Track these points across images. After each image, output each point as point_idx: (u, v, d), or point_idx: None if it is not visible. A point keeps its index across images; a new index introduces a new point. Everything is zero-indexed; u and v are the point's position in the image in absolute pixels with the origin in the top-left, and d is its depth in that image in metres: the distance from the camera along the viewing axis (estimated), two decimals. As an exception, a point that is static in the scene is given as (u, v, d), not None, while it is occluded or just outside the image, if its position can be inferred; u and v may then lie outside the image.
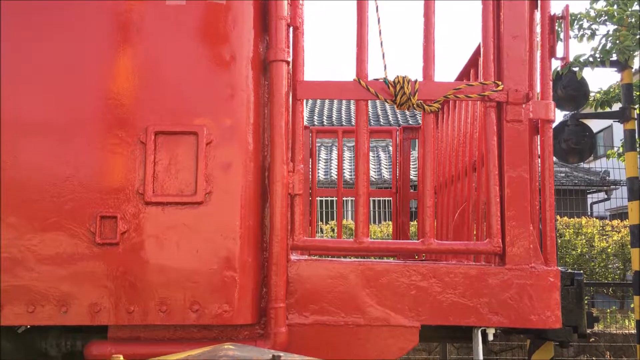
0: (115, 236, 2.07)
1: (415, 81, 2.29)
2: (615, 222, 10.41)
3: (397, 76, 2.30)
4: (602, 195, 16.17)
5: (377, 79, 2.32)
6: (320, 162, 15.55)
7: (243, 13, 2.21)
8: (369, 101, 2.36)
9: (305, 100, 2.39)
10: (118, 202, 2.09)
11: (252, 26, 2.22)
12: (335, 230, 8.50)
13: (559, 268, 2.34)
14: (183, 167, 2.11)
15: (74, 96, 2.14)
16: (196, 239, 2.08)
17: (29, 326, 2.23)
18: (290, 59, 2.26)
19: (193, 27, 2.19)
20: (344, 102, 20.07)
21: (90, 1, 2.18)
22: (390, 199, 4.88)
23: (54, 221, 2.08)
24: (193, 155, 2.11)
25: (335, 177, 12.97)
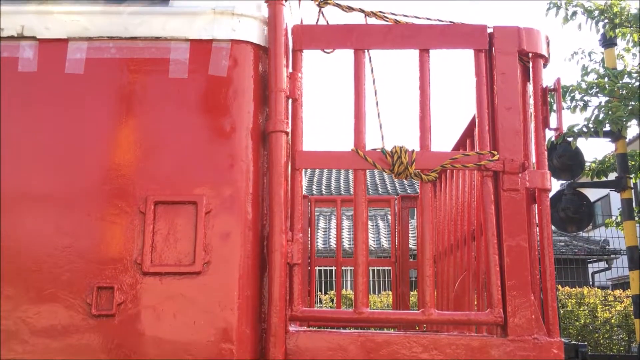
0: (111, 307, 2.04)
1: (413, 151, 2.33)
2: (617, 292, 10.29)
3: (395, 146, 2.33)
4: (602, 264, 16.05)
5: (374, 149, 2.36)
6: (319, 231, 15.53)
7: (243, 86, 2.27)
8: (367, 170, 2.39)
9: (304, 170, 2.42)
10: (116, 272, 2.08)
11: (252, 98, 2.27)
12: (335, 301, 8.38)
13: (563, 339, 2.30)
14: (182, 237, 2.11)
15: (75, 166, 2.17)
16: (194, 309, 2.05)
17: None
18: (289, 130, 2.30)
19: (194, 99, 2.24)
20: (342, 171, 20.24)
21: (93, 74, 2.24)
22: (390, 268, 4.84)
23: (50, 292, 2.06)
24: (192, 225, 2.12)
25: (334, 246, 12.90)
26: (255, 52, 2.31)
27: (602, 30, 6.74)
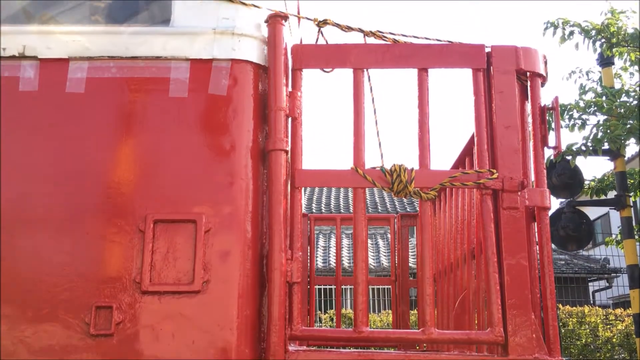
0: (110, 327, 2.03)
1: (412, 169, 2.33)
2: (618, 311, 10.24)
3: (394, 164, 2.34)
4: (603, 283, 15.98)
5: (374, 168, 2.36)
6: (318, 249, 15.49)
7: (243, 105, 2.29)
8: (367, 189, 2.39)
9: (303, 188, 2.42)
10: (114, 291, 2.07)
11: (251, 117, 2.28)
12: (334, 320, 8.33)
13: (564, 359, 2.28)
14: (181, 255, 2.10)
15: (74, 185, 2.17)
16: (192, 329, 2.04)
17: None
18: (288, 148, 2.31)
19: (194, 117, 2.25)
20: (342, 189, 20.25)
21: (94, 93, 2.25)
22: (390, 287, 4.82)
23: (48, 312, 2.05)
24: (191, 243, 2.11)
25: (334, 264, 12.86)
26: (255, 71, 2.32)
27: (599, 50, 6.79)
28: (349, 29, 2.59)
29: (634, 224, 6.33)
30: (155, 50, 2.29)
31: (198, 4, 2.35)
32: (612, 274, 15.35)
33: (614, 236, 7.83)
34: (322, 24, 2.59)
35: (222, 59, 2.28)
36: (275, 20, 2.36)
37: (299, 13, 3.75)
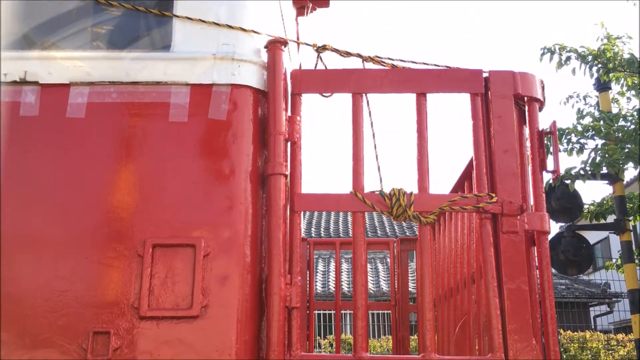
0: (107, 353, 2.01)
1: (411, 193, 2.34)
2: (620, 336, 10.16)
3: (393, 188, 2.34)
4: (604, 307, 15.88)
5: (373, 192, 2.37)
6: (317, 274, 15.41)
7: (242, 129, 2.29)
8: (366, 213, 2.39)
9: (303, 212, 2.42)
10: (112, 316, 2.05)
11: (251, 141, 2.29)
12: (334, 345, 8.25)
13: (566, 384, 2.26)
14: (180, 280, 2.09)
15: (74, 210, 2.17)
16: (191, 354, 2.02)
17: None
18: (288, 172, 2.32)
19: (194, 142, 2.26)
20: (341, 213, 20.22)
21: (94, 118, 2.26)
22: (389, 312, 4.79)
23: (45, 337, 2.03)
24: (190, 268, 2.10)
25: (334, 289, 12.78)
26: (255, 96, 2.34)
27: (596, 75, 6.85)
28: (347, 54, 2.61)
29: (634, 248, 6.31)
30: (155, 75, 2.31)
31: (198, 30, 2.37)
32: (613, 299, 15.26)
33: (614, 260, 7.80)
34: (321, 49, 2.61)
35: (222, 84, 2.30)
36: (275, 46, 2.38)
37: (298, 39, 3.79)
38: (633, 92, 7.00)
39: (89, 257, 2.11)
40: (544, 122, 2.60)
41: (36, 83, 2.29)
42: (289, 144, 2.37)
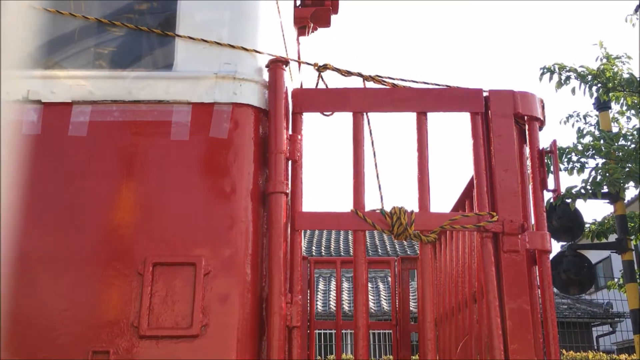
0: (106, 372, 1.99)
1: (412, 212, 2.33)
2: (623, 357, 10.07)
3: (394, 207, 2.34)
4: (607, 327, 15.76)
5: (374, 210, 2.37)
6: (318, 293, 15.33)
7: (244, 148, 2.30)
8: (367, 231, 2.38)
9: (303, 230, 2.42)
10: (112, 335, 2.04)
11: (252, 160, 2.30)
12: (334, 366, 8.18)
13: (569, 405, 2.23)
14: (180, 299, 2.08)
15: (74, 228, 2.16)
16: (190, 374, 2.00)
17: None
18: (289, 191, 2.32)
19: (195, 160, 2.26)
20: (342, 232, 20.18)
21: (96, 136, 2.27)
22: (391, 331, 4.75)
23: (44, 357, 2.01)
24: (190, 287, 2.09)
25: (334, 308, 12.71)
26: (256, 114, 2.35)
27: (595, 94, 6.88)
28: (348, 73, 2.63)
29: (635, 267, 6.29)
30: (157, 94, 2.32)
31: (200, 49, 2.39)
32: (616, 319, 15.16)
33: (616, 280, 7.77)
34: (322, 68, 2.63)
35: (224, 103, 2.31)
36: (276, 65, 2.40)
37: (299, 58, 3.82)
38: (633, 111, 7.02)
39: (89, 276, 2.11)
40: (544, 141, 2.61)
41: (39, 102, 2.30)
42: (290, 162, 2.38)
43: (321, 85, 2.66)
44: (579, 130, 6.87)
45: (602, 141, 6.14)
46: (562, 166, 6.24)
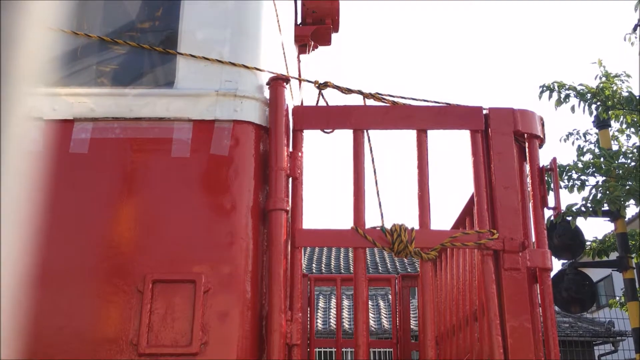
0: (104, 390, 1.98)
1: (412, 229, 2.33)
2: (626, 376, 9.98)
3: (394, 224, 2.34)
4: (609, 346, 15.64)
5: (374, 227, 2.36)
6: (318, 311, 15.24)
7: (244, 165, 2.31)
8: (367, 249, 2.38)
9: (304, 247, 2.42)
10: (110, 353, 2.03)
11: (252, 177, 2.30)
12: (334, 385, 8.11)
13: None
14: (179, 316, 2.07)
15: (74, 244, 2.16)
16: (189, 393, 1.99)
17: None
18: (289, 208, 2.32)
19: (196, 177, 2.27)
20: (342, 249, 20.12)
21: (97, 153, 2.28)
22: (391, 349, 4.72)
23: (42, 374, 2.00)
24: (190, 304, 2.08)
25: (334, 326, 12.63)
26: (257, 132, 2.36)
27: (595, 112, 6.90)
28: (348, 91, 2.64)
29: (637, 285, 6.26)
30: (158, 111, 2.33)
31: (201, 67, 2.40)
32: (618, 338, 15.05)
33: (617, 298, 7.73)
34: (322, 86, 2.65)
35: (224, 120, 2.32)
36: (277, 82, 2.41)
37: (300, 76, 3.84)
38: (632, 129, 7.04)
39: (89, 293, 2.10)
40: (544, 158, 2.62)
41: (40, 119, 2.31)
42: (290, 179, 2.38)
43: (322, 103, 2.67)
44: (579, 148, 6.89)
45: (602, 159, 6.15)
46: (562, 184, 6.25)
